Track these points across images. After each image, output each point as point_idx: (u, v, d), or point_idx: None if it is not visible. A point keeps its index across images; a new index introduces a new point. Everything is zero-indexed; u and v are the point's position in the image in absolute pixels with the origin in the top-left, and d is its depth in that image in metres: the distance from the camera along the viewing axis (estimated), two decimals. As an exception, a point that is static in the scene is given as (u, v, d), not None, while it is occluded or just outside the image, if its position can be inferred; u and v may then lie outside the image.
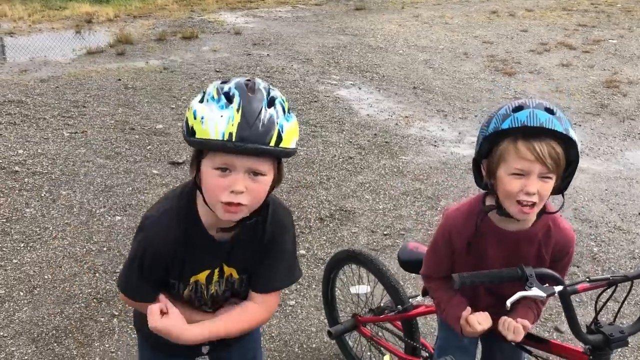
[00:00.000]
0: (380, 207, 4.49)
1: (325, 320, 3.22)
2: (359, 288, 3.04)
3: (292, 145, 1.40)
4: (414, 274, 3.09)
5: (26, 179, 4.60)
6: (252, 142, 1.32)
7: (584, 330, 1.71)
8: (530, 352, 1.95)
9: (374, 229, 4.17)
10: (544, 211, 1.73)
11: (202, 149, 1.38)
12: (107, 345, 2.98)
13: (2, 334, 3.02)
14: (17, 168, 4.76)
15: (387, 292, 2.59)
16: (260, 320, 1.69)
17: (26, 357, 2.88)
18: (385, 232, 4.13)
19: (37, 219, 4.08)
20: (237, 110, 1.32)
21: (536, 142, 1.56)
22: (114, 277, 3.50)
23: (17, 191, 4.42)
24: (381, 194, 4.70)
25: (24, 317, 3.14)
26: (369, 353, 2.89)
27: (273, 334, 3.11)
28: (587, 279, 1.76)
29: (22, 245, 3.78)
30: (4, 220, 4.04)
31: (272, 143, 1.34)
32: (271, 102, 1.37)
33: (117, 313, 3.21)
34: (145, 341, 1.83)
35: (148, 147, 5.31)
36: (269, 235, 1.61)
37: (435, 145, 5.74)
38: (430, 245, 1.97)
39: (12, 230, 3.93)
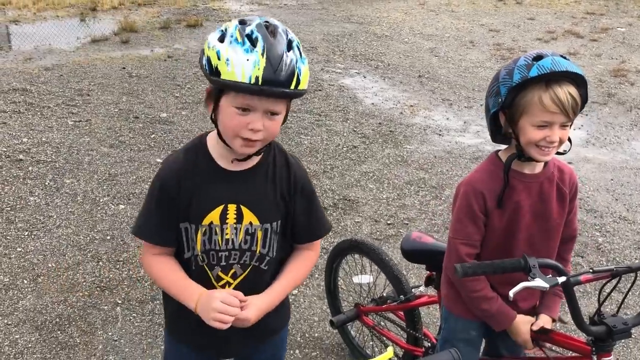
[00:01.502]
0: (384, 196, 4.48)
1: (328, 310, 3.22)
2: (361, 278, 3.04)
3: (306, 87, 1.48)
4: (417, 265, 3.08)
5: (30, 168, 4.60)
6: (276, 86, 1.38)
7: (587, 321, 1.70)
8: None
9: (377, 218, 4.16)
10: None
11: (227, 89, 1.43)
12: (110, 334, 2.99)
13: (6, 321, 3.03)
14: (21, 157, 4.77)
15: (390, 282, 2.58)
16: (312, 268, 1.75)
17: (30, 345, 2.89)
18: (388, 222, 4.12)
19: (41, 207, 4.09)
20: (262, 55, 1.37)
21: (559, 91, 1.65)
22: (117, 266, 3.51)
23: (21, 180, 4.43)
24: (385, 183, 4.68)
25: (28, 305, 3.15)
26: (371, 343, 2.89)
27: (276, 323, 3.11)
28: (591, 270, 1.76)
29: (26, 234, 3.79)
30: (9, 209, 4.05)
31: (293, 86, 1.41)
32: (289, 45, 1.42)
33: (120, 301, 3.22)
34: (170, 332, 1.79)
35: (152, 136, 5.30)
36: (298, 177, 1.63)
37: (440, 135, 5.70)
38: (455, 223, 1.89)
39: (17, 219, 3.94)
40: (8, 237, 3.74)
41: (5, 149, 4.87)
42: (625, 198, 4.60)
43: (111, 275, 3.43)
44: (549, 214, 1.87)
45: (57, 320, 3.06)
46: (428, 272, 2.39)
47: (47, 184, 4.39)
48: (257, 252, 1.61)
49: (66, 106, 5.88)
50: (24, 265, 3.48)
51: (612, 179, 4.94)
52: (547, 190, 1.86)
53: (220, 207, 1.56)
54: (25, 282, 3.35)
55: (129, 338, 2.97)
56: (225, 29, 1.43)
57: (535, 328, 1.87)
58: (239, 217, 1.57)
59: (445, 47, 8.75)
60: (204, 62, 1.44)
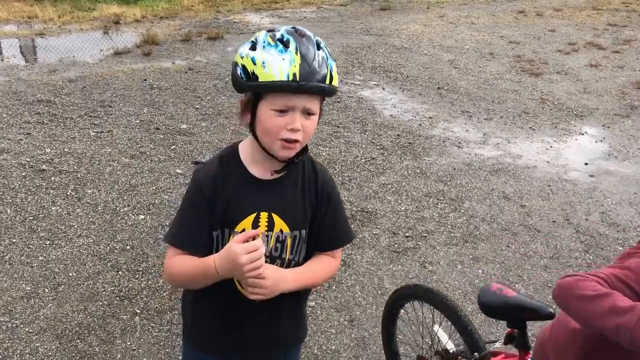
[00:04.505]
0: (402, 208, 4.46)
1: (345, 322, 3.21)
2: (425, 327, 2.61)
3: (338, 85, 1.53)
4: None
5: (53, 178, 4.68)
6: (314, 81, 1.43)
7: None
8: None
9: (395, 230, 4.14)
10: None
11: (266, 91, 1.46)
12: (128, 343, 3.01)
13: (27, 329, 3.07)
14: (44, 167, 4.85)
15: (460, 336, 2.26)
16: (333, 274, 1.74)
17: (50, 354, 2.92)
18: (407, 234, 4.10)
19: (62, 217, 4.15)
20: (296, 53, 1.42)
21: None
22: (137, 275, 3.54)
23: (43, 189, 4.50)
24: (403, 195, 4.66)
25: (49, 314, 3.19)
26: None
27: (293, 335, 3.11)
28: None
29: (47, 243, 3.84)
30: (31, 218, 4.11)
31: (327, 81, 1.46)
32: (318, 45, 1.48)
33: (139, 311, 3.24)
34: (192, 344, 1.77)
35: (172, 147, 5.36)
36: (325, 185, 1.65)
37: (459, 147, 5.67)
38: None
39: (39, 228, 4.00)
40: (30, 246, 3.80)
41: (29, 159, 4.96)
42: (648, 212, 4.52)
43: (130, 285, 3.46)
44: None
45: (77, 329, 3.09)
46: (509, 329, 2.04)
47: (68, 194, 4.46)
48: (287, 258, 1.63)
49: (88, 117, 5.97)
50: (45, 274, 3.53)
51: (635, 193, 4.86)
52: None
53: (253, 215, 1.58)
54: (47, 290, 3.39)
55: (147, 348, 2.99)
56: (256, 39, 1.49)
57: None
58: (270, 225, 1.59)
59: (465, 59, 8.72)
60: (239, 71, 1.47)
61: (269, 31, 1.49)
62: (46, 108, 6.17)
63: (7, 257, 3.67)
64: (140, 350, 2.96)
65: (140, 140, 5.48)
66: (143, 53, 8.53)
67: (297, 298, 1.70)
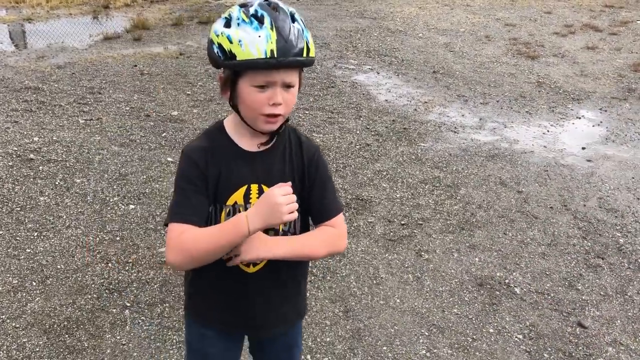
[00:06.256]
0: (398, 195, 4.39)
1: (340, 314, 3.15)
2: None
3: (315, 55, 1.51)
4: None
5: (41, 167, 4.58)
6: (291, 56, 1.42)
7: None
8: None
9: (391, 218, 4.07)
10: None
11: (245, 69, 1.45)
12: (118, 337, 2.94)
13: (14, 324, 3.00)
14: (32, 156, 4.74)
15: None
16: (340, 247, 1.67)
17: (37, 349, 2.85)
18: (402, 222, 4.03)
19: (51, 207, 4.06)
20: (271, 29, 1.41)
21: None
22: (127, 267, 3.46)
23: (31, 179, 4.40)
24: (399, 182, 4.59)
25: (36, 308, 3.12)
26: None
27: (286, 327, 3.04)
28: None
29: (35, 234, 3.75)
30: (19, 209, 4.02)
31: (304, 54, 1.45)
32: (292, 17, 1.46)
33: (129, 304, 3.17)
34: (193, 316, 1.78)
35: (163, 135, 5.26)
36: (311, 153, 1.64)
37: (455, 132, 5.59)
38: None
39: (26, 219, 3.91)
40: (17, 238, 3.71)
41: (16, 148, 4.85)
42: (647, 197, 4.46)
43: (120, 277, 3.38)
44: None
45: (65, 323, 3.02)
46: None
47: (57, 183, 4.36)
48: (280, 229, 1.61)
49: (77, 104, 5.85)
50: (33, 267, 3.45)
51: (633, 177, 4.80)
52: None
53: (244, 188, 1.58)
54: (34, 284, 3.31)
55: (137, 342, 2.92)
56: (229, 15, 1.47)
57: None
58: (261, 194, 1.56)
59: (460, 42, 8.60)
60: (215, 50, 1.46)
61: (241, 6, 1.46)
62: (34, 95, 6.04)
63: (-7, 249, 3.58)
64: (130, 345, 2.89)
65: (130, 127, 5.37)
66: (133, 38, 8.37)
67: (294, 273, 1.71)
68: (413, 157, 5.02)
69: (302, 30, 1.46)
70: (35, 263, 3.48)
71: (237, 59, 1.42)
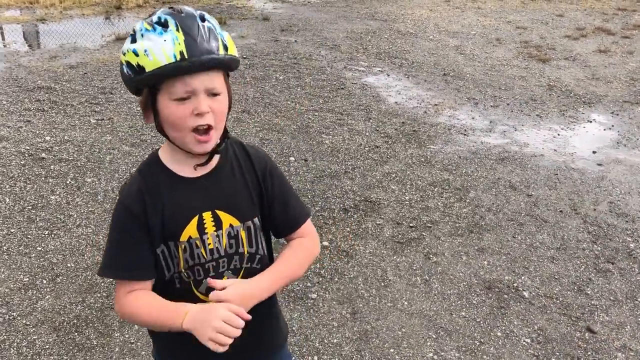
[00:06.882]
0: (407, 198, 4.38)
1: (348, 315, 3.15)
2: None
3: (237, 54, 1.39)
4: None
5: (52, 166, 4.62)
6: (205, 54, 1.30)
7: None
8: None
9: (399, 220, 4.07)
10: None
11: (158, 80, 1.32)
12: (127, 336, 2.96)
13: (24, 321, 3.03)
14: (43, 155, 4.79)
15: None
16: (316, 254, 1.59)
17: (47, 346, 2.88)
18: (411, 224, 4.03)
19: (62, 206, 4.10)
20: (177, 30, 1.29)
21: None
22: (136, 267, 3.48)
23: (43, 178, 4.44)
24: (408, 184, 4.58)
25: (47, 306, 3.15)
26: None
27: (294, 328, 3.05)
28: None
29: (46, 233, 3.79)
30: (30, 207, 4.06)
31: (221, 51, 1.33)
32: (202, 18, 1.35)
33: (138, 303, 3.19)
34: (162, 350, 1.63)
35: (173, 135, 5.28)
36: (262, 164, 1.53)
37: (465, 134, 5.58)
38: None
39: (37, 218, 3.95)
40: (29, 236, 3.75)
41: (29, 147, 4.90)
42: (658, 202, 4.43)
43: (129, 276, 3.40)
44: None
45: (75, 321, 3.05)
46: None
47: (68, 182, 4.40)
48: (245, 252, 1.50)
49: (89, 104, 5.90)
50: (44, 265, 3.48)
51: (644, 182, 4.77)
52: None
53: (195, 219, 1.44)
54: (45, 282, 3.34)
55: (145, 340, 2.93)
56: (134, 30, 1.36)
57: None
58: (218, 223, 1.46)
59: (471, 45, 8.58)
60: (125, 70, 1.33)
61: (146, 19, 1.36)
62: (46, 95, 6.10)
63: (5, 247, 3.62)
64: (138, 344, 2.91)
65: (141, 127, 5.40)
66: (145, 39, 8.41)
67: (269, 300, 1.52)
68: (422, 159, 5.01)
69: (215, 29, 1.34)
70: (46, 261, 3.51)
71: (147, 70, 1.29)
